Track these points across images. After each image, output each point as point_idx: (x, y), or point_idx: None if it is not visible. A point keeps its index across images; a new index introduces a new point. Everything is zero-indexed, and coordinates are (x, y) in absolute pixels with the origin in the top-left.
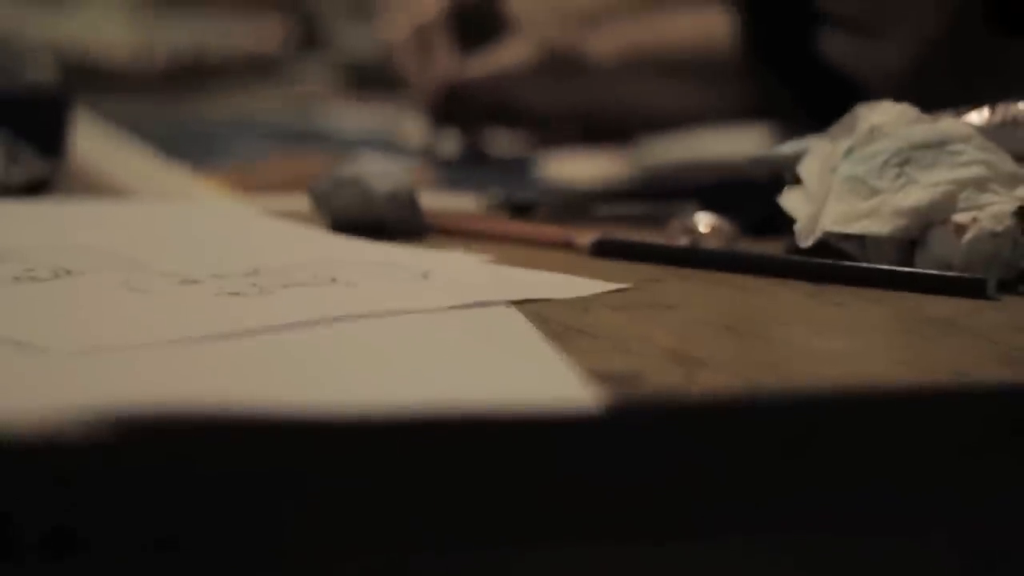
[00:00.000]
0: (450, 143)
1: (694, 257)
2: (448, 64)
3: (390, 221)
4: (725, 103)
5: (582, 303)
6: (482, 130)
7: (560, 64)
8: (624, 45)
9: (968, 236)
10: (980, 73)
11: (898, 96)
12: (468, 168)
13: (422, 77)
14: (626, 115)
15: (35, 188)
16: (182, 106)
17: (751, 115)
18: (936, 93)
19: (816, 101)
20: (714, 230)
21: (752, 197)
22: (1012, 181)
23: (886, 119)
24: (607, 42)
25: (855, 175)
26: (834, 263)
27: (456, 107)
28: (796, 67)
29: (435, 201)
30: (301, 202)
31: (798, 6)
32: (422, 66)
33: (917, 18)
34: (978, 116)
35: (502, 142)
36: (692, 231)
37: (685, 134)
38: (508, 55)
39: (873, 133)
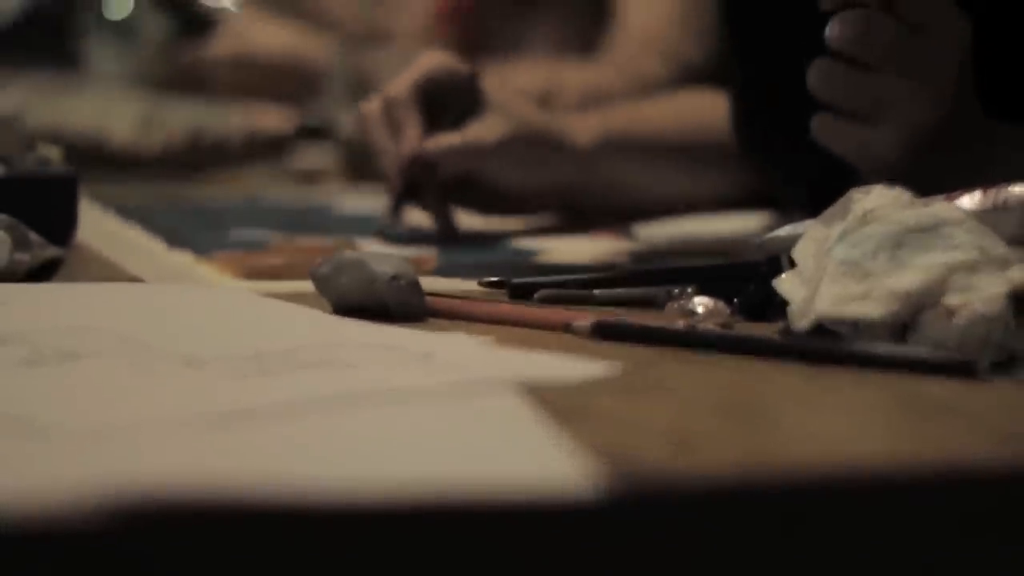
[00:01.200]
0: (408, 218)
1: (691, 339)
2: (414, 137)
3: (392, 304)
4: (719, 187)
5: (581, 385)
6: (448, 208)
7: (535, 143)
8: (611, 127)
9: (960, 319)
10: (973, 155)
11: (891, 179)
12: (440, 245)
13: (389, 150)
14: (613, 197)
15: (42, 271)
16: (186, 189)
17: (746, 199)
18: (929, 176)
19: (810, 184)
20: (711, 312)
21: (748, 280)
22: (1003, 264)
23: (879, 203)
24: (591, 123)
25: (849, 258)
26: (828, 346)
27: (422, 182)
28: (790, 150)
29: (435, 283)
30: (304, 285)
31: (792, 90)
32: (389, 139)
33: (910, 105)
34: (970, 200)
35: (473, 220)
36: (689, 314)
37: (681, 218)
38: (480, 131)
39: (866, 217)
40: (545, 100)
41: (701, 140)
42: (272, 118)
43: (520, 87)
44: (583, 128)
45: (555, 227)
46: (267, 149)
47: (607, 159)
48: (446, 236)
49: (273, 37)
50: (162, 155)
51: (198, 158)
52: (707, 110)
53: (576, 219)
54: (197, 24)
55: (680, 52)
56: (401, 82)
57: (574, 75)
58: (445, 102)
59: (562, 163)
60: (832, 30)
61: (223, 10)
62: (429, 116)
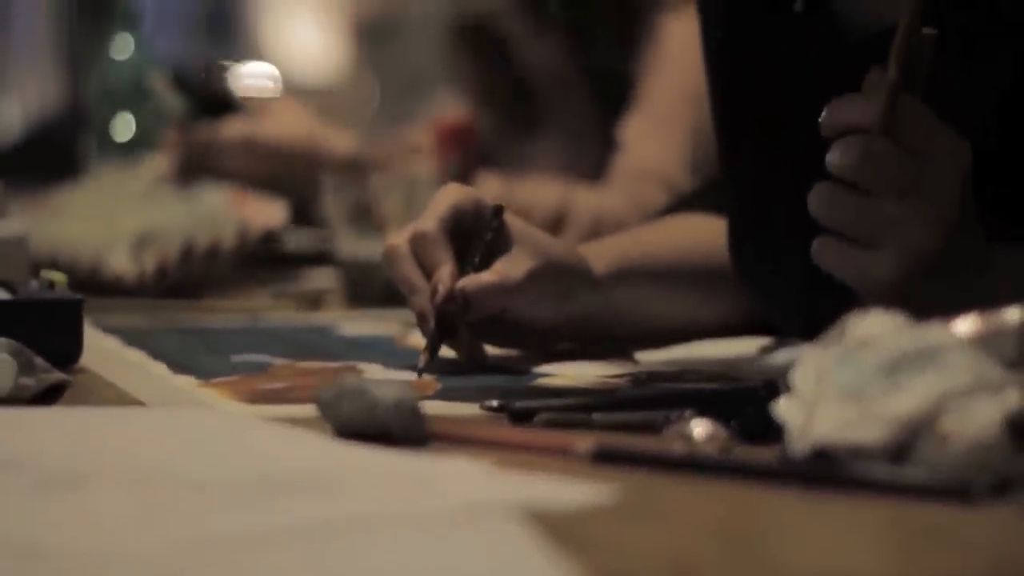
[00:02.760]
0: (443, 351)
1: (690, 464)
2: (449, 276)
3: (394, 429)
4: (724, 313)
5: (581, 510)
6: (478, 343)
7: (560, 275)
8: (623, 254)
9: (956, 444)
10: (973, 279)
11: (891, 303)
12: (466, 375)
13: (421, 288)
14: (624, 324)
15: (47, 395)
16: (188, 312)
17: (747, 324)
18: (929, 299)
19: (807, 310)
20: (709, 437)
21: (746, 404)
22: (999, 389)
23: (876, 328)
24: (604, 251)
25: (846, 383)
26: (826, 470)
27: (456, 320)
28: (788, 277)
29: (436, 407)
30: (306, 410)
31: (790, 216)
32: (420, 277)
33: (911, 229)
34: (965, 324)
35: (497, 351)
36: (688, 438)
37: (681, 343)
38: (510, 267)
39: (863, 342)
40: (558, 222)
41: (705, 265)
42: (264, 211)
43: (534, 205)
44: (597, 256)
45: (559, 353)
46: (258, 245)
47: (622, 287)
48: (475, 367)
49: (289, 124)
50: (158, 276)
51: (193, 271)
52: (708, 235)
53: (587, 347)
54: (215, 106)
55: (679, 183)
56: (429, 217)
57: (586, 197)
58: (468, 235)
59: (583, 292)
60: (833, 155)
61: (248, 95)
62: (454, 249)
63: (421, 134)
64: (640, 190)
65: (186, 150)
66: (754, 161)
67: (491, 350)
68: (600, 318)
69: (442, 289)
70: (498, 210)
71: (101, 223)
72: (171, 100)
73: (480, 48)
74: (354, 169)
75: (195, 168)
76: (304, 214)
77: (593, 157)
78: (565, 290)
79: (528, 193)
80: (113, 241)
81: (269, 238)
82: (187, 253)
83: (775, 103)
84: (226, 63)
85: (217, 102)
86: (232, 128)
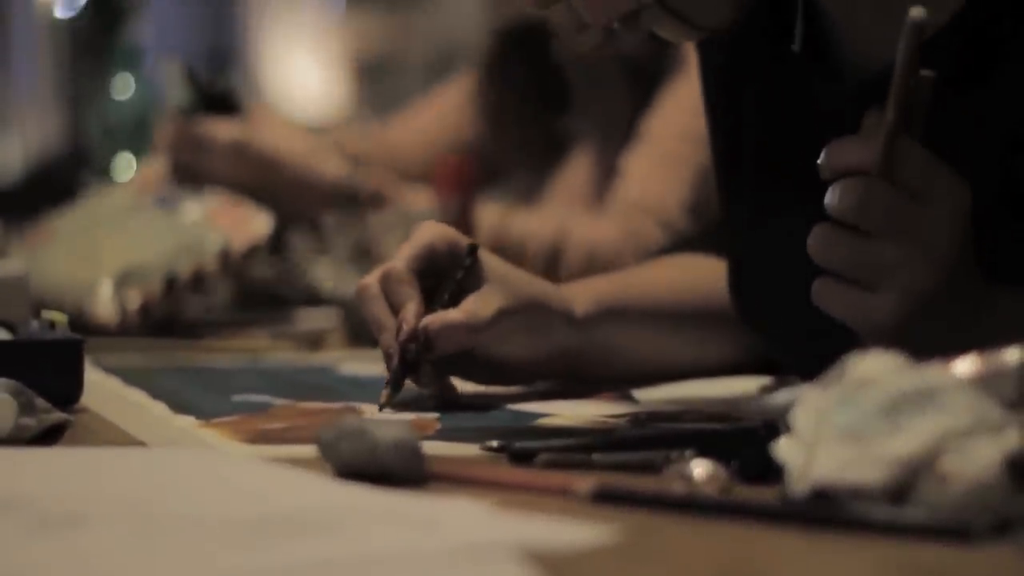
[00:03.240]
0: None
1: (690, 504)
2: (413, 314)
3: (394, 469)
4: (723, 353)
5: (581, 551)
6: (446, 380)
7: (533, 313)
8: (608, 294)
9: (956, 484)
10: (972, 321)
11: (890, 344)
12: (438, 412)
13: (387, 326)
14: (613, 364)
15: (47, 435)
16: (189, 352)
17: (748, 364)
18: (928, 340)
19: (809, 349)
20: (709, 477)
21: (746, 445)
22: (999, 429)
23: (875, 369)
24: (588, 291)
25: (846, 424)
26: (826, 511)
27: (420, 358)
28: (790, 315)
29: (436, 448)
30: (307, 450)
31: (792, 255)
32: (387, 314)
33: (910, 271)
34: (965, 365)
35: (471, 388)
36: (688, 478)
37: (680, 383)
38: (478, 306)
39: (863, 382)
40: (553, 253)
41: (705, 306)
42: (248, 223)
43: (529, 235)
44: (580, 295)
45: (555, 391)
46: (242, 262)
47: (606, 327)
48: (447, 405)
49: (284, 138)
50: (143, 314)
51: (178, 303)
52: (708, 276)
53: (577, 385)
54: (218, 105)
55: (680, 227)
56: (399, 255)
57: (581, 229)
58: (443, 273)
59: (560, 332)
60: (832, 197)
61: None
62: (427, 288)
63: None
64: (636, 224)
65: (180, 146)
66: (753, 202)
67: (472, 387)
68: (584, 357)
69: (405, 327)
70: (472, 248)
71: (83, 258)
72: (179, 90)
73: (525, 49)
74: (343, 194)
75: (186, 169)
76: (277, 243)
77: (602, 187)
78: (540, 329)
79: (524, 223)
80: (95, 281)
81: (252, 253)
82: (170, 286)
83: (773, 144)
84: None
85: (220, 102)
86: (226, 129)
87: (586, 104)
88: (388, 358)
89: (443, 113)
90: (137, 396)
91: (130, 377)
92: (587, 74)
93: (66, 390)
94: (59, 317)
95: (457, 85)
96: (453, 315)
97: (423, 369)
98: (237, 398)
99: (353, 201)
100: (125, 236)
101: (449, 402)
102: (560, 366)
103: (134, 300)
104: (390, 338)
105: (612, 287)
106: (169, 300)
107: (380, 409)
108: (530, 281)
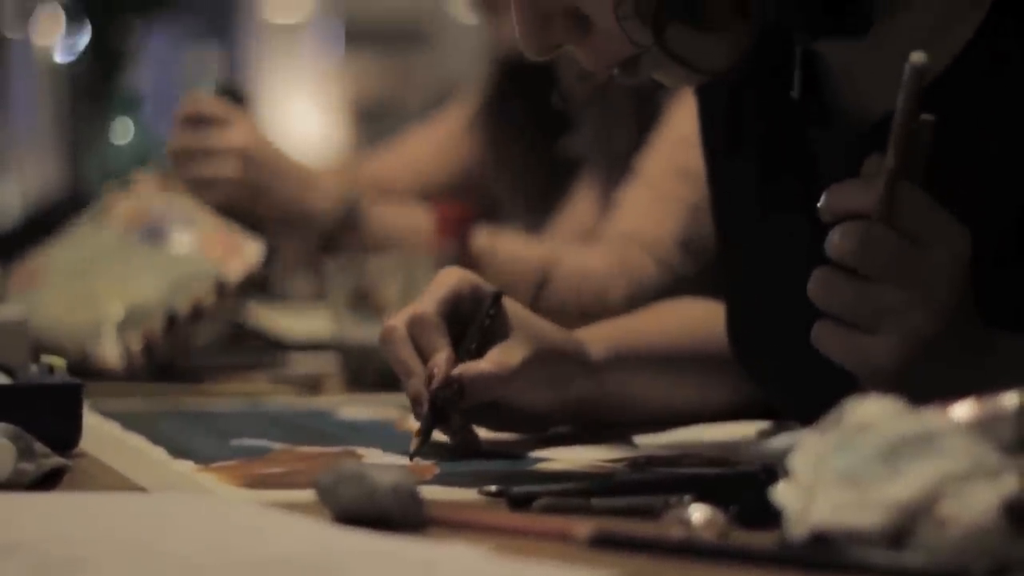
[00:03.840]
0: (439, 436)
1: (689, 549)
2: (444, 362)
3: (393, 514)
4: (725, 397)
5: None
6: (471, 428)
7: (556, 361)
8: (621, 339)
9: (954, 529)
10: (971, 365)
11: (890, 388)
12: (461, 460)
13: (416, 373)
14: (623, 409)
15: (46, 480)
16: (187, 395)
17: (749, 409)
18: (928, 384)
19: (808, 392)
20: (708, 522)
21: (745, 489)
22: (996, 474)
23: (874, 413)
24: (602, 335)
25: (844, 468)
26: (825, 555)
27: (450, 406)
28: (789, 359)
29: (435, 492)
30: (305, 495)
31: (790, 299)
32: (416, 361)
33: (909, 315)
34: (963, 409)
35: (491, 435)
36: (687, 523)
37: (680, 427)
38: (506, 355)
39: (861, 427)
40: (542, 279)
41: (705, 351)
42: (241, 250)
43: (517, 261)
44: (594, 341)
45: (557, 438)
46: (239, 291)
47: (618, 373)
48: (468, 452)
49: (288, 161)
50: (147, 354)
51: (179, 340)
52: (709, 319)
53: (581, 431)
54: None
55: (674, 262)
56: (427, 300)
57: (571, 257)
58: (466, 319)
59: (578, 380)
60: (832, 240)
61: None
62: (452, 334)
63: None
64: (628, 255)
65: (190, 127)
66: (751, 245)
67: (485, 434)
68: (597, 403)
69: (438, 375)
70: (496, 296)
71: (81, 302)
72: (208, 74)
73: (525, 80)
74: (344, 205)
75: (192, 173)
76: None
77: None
78: (561, 377)
79: (512, 248)
80: (96, 325)
81: (249, 281)
82: (171, 323)
83: (772, 188)
84: None
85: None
86: (233, 133)
87: (586, 140)
88: (417, 405)
89: (438, 142)
90: (136, 440)
91: (129, 421)
92: (587, 111)
93: (65, 435)
94: (58, 361)
95: (452, 114)
96: (484, 365)
97: (453, 418)
98: (236, 442)
99: (347, 224)
100: (118, 274)
101: (472, 451)
102: (574, 412)
103: (137, 341)
104: (419, 384)
105: (622, 332)
106: (171, 337)
107: (411, 458)
108: (550, 329)
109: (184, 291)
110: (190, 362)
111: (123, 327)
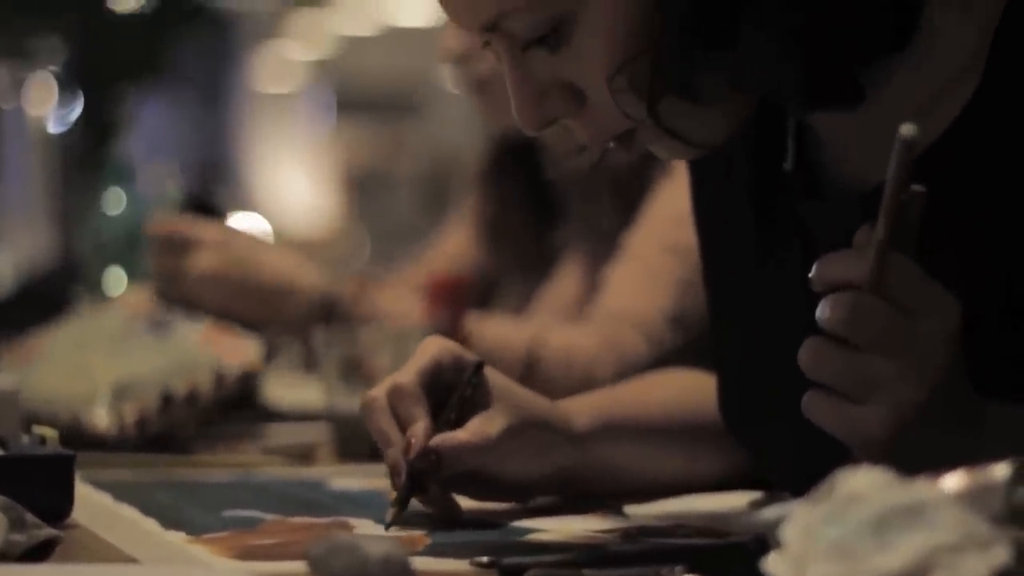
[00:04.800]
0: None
1: None
2: (423, 431)
3: None
4: (715, 468)
5: None
6: (450, 497)
7: (537, 431)
8: (607, 410)
9: None
10: (962, 434)
11: (880, 456)
12: (444, 530)
13: (395, 442)
14: (609, 480)
15: (38, 552)
16: (179, 466)
17: (739, 479)
18: (918, 454)
19: (799, 463)
20: None
21: (736, 561)
22: (987, 545)
23: (864, 484)
24: (587, 407)
25: (835, 539)
26: None
27: (427, 476)
28: (780, 430)
29: (426, 563)
30: (296, 566)
31: (779, 371)
32: (395, 430)
33: (900, 385)
34: (953, 480)
35: (473, 503)
36: None
37: (671, 498)
38: (486, 425)
39: (852, 498)
40: (529, 361)
41: (695, 421)
42: (239, 350)
43: (504, 343)
44: (579, 412)
45: (548, 507)
46: (236, 386)
47: (604, 443)
48: (449, 521)
49: (267, 259)
50: (139, 427)
51: (173, 419)
52: (699, 390)
53: (572, 501)
54: (205, 209)
55: (663, 338)
56: (408, 370)
57: (558, 336)
58: (447, 388)
59: (561, 450)
60: (823, 311)
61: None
62: (431, 403)
63: (406, 278)
64: (616, 332)
65: (166, 245)
66: (744, 315)
67: (467, 502)
68: (582, 473)
69: (415, 444)
70: (478, 366)
71: (78, 373)
72: (171, 191)
73: (518, 162)
74: (324, 306)
75: (171, 280)
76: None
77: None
78: (543, 447)
79: (499, 331)
80: (91, 394)
81: (247, 378)
82: (166, 402)
83: (765, 258)
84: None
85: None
86: (211, 229)
87: (574, 217)
88: (395, 474)
89: (456, 255)
90: (128, 511)
91: (121, 492)
92: (575, 188)
93: (57, 506)
94: (50, 432)
95: (461, 221)
96: (462, 436)
97: (432, 488)
98: (228, 513)
99: (331, 312)
100: (119, 354)
101: (452, 519)
102: (558, 482)
103: (131, 413)
104: (397, 454)
105: (608, 402)
106: (165, 415)
107: (387, 528)
108: (533, 399)
109: (183, 374)
110: (183, 435)
111: (118, 397)
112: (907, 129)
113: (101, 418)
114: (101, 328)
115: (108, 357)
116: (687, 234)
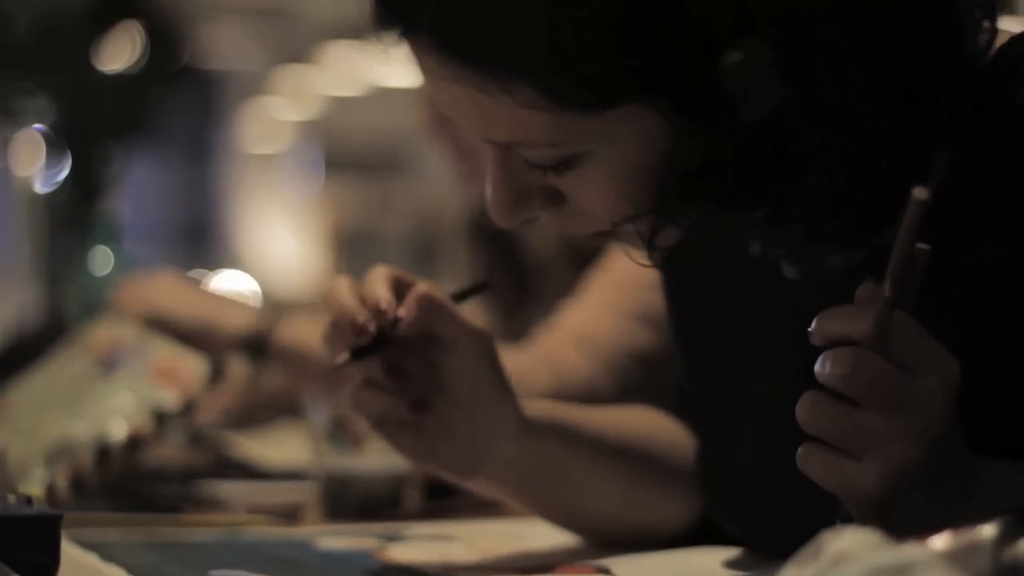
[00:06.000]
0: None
1: None
2: (386, 292)
3: None
4: (645, 512)
5: None
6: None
7: (494, 370)
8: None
9: None
10: (957, 493)
11: (873, 512)
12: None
13: (354, 312)
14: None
15: None
16: (165, 527)
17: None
18: (912, 511)
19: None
20: None
21: None
22: None
23: (851, 544)
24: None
25: None
26: None
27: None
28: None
29: None
30: None
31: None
32: (357, 304)
33: (896, 442)
34: (941, 541)
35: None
36: None
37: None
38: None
39: (840, 558)
40: None
41: (647, 456)
42: (185, 377)
43: None
44: (533, 405)
45: (539, 566)
46: (177, 419)
47: (547, 441)
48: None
49: (185, 301)
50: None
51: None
52: (659, 429)
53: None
54: None
55: (604, 349)
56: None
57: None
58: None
59: (507, 423)
60: (822, 365)
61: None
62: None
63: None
64: (556, 348)
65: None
66: (727, 372)
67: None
68: (519, 466)
69: (384, 297)
70: (482, 285)
71: (24, 437)
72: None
73: (493, 235)
74: (253, 345)
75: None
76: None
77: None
78: (496, 397)
79: None
80: (30, 458)
81: (187, 409)
82: (102, 455)
83: (756, 316)
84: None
85: None
86: (129, 298)
87: (538, 295)
88: (337, 328)
89: None
90: (114, 571)
91: (107, 552)
92: (539, 265)
93: (43, 566)
94: (36, 492)
95: None
96: (421, 287)
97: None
98: (214, 573)
99: (259, 352)
100: (67, 411)
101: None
102: (498, 477)
103: (63, 475)
104: (358, 312)
105: (562, 409)
106: (101, 469)
107: (336, 365)
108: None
109: (122, 421)
110: (134, 487)
111: (53, 460)
112: (920, 192)
113: (34, 487)
114: (65, 378)
115: (56, 416)
116: (647, 271)
